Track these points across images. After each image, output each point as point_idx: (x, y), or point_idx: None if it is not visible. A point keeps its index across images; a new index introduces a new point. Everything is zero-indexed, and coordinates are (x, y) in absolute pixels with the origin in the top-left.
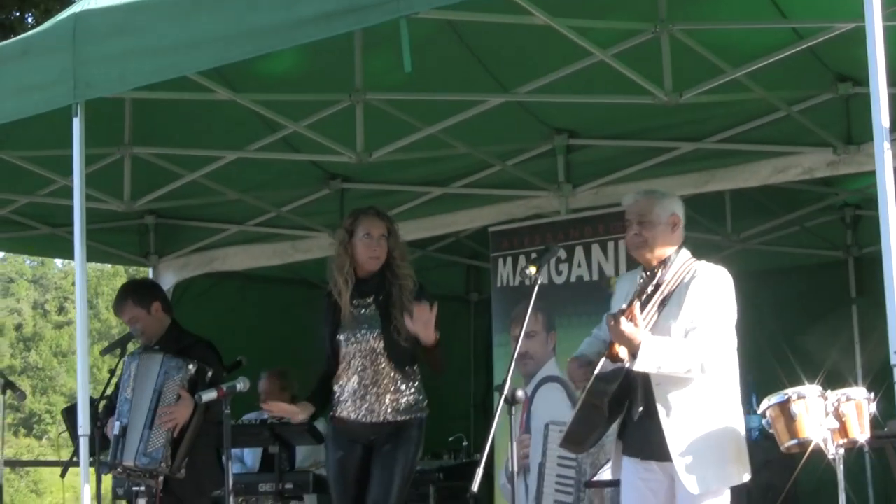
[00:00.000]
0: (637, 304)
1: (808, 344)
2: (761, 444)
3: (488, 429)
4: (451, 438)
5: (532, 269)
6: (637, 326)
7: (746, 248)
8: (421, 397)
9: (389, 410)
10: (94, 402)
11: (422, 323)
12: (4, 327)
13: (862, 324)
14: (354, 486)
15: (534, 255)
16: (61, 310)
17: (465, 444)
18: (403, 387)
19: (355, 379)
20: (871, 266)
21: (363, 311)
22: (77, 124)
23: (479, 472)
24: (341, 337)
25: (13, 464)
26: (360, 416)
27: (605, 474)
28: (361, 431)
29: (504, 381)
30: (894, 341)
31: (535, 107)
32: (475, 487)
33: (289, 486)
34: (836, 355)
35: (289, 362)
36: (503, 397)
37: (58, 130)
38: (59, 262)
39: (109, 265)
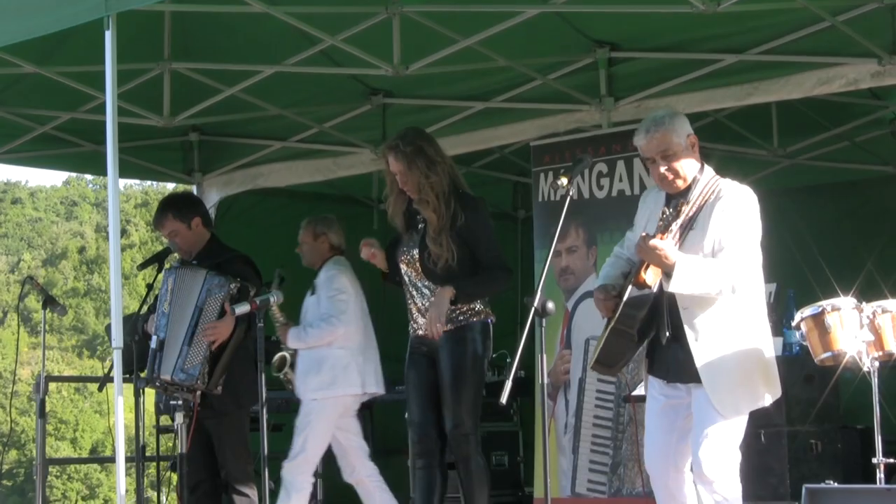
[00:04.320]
0: (666, 234)
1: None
2: (801, 359)
3: (520, 342)
4: (494, 355)
5: (564, 180)
6: (670, 246)
7: (794, 164)
8: (476, 303)
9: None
10: (131, 317)
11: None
12: (68, 250)
13: None
14: (427, 402)
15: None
16: (123, 232)
17: (508, 360)
18: None
19: (414, 294)
20: None
21: (416, 229)
22: (109, 38)
23: (508, 384)
24: (400, 256)
25: (56, 379)
26: (421, 331)
27: (643, 389)
28: (426, 345)
29: (534, 293)
30: None
31: (575, 18)
32: (503, 400)
33: None
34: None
35: None
36: (533, 309)
37: (98, 45)
38: (121, 185)
39: (170, 186)
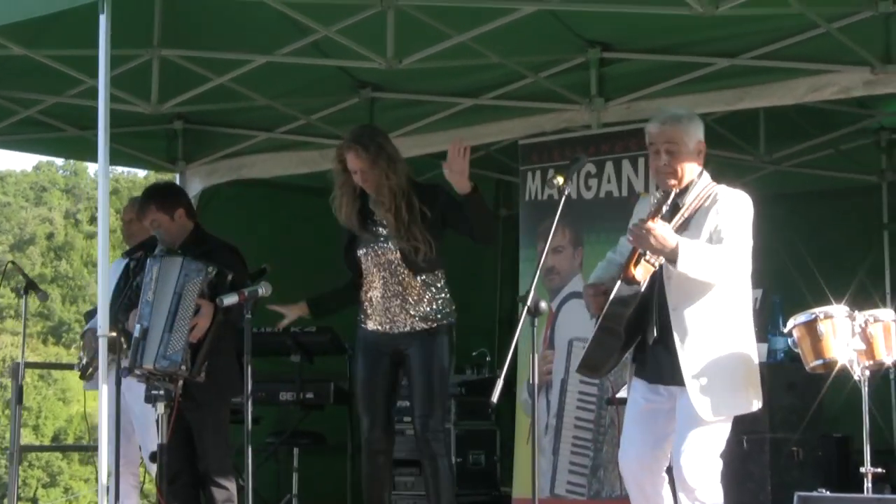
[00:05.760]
0: (659, 217)
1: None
2: (785, 366)
3: (511, 341)
4: (474, 353)
5: (559, 179)
6: (667, 228)
7: (779, 170)
8: (447, 303)
9: (415, 320)
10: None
11: (456, 172)
12: (36, 236)
13: (893, 249)
14: (382, 397)
15: (552, 169)
16: (93, 219)
17: (488, 359)
18: (427, 295)
19: (379, 292)
20: None
21: (379, 226)
22: (103, 21)
23: (500, 382)
24: (360, 252)
25: (34, 366)
26: (386, 328)
27: (627, 392)
28: (389, 342)
29: (527, 292)
30: None
31: (569, 17)
32: (495, 398)
33: (309, 395)
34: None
35: (313, 271)
36: (526, 308)
37: (88, 29)
38: (91, 171)
39: (141, 174)
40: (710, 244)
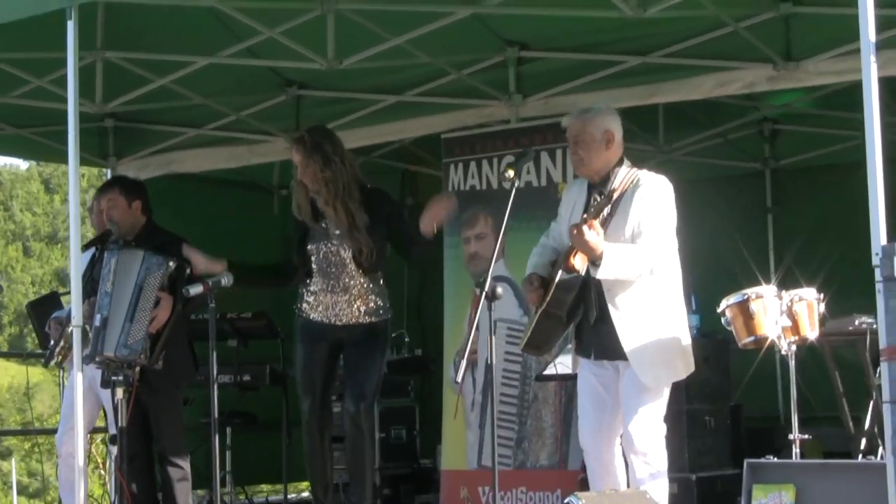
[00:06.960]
0: (597, 220)
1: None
2: (699, 342)
3: (473, 324)
4: (394, 335)
5: (510, 172)
6: (599, 236)
7: (672, 159)
8: (385, 301)
9: (361, 313)
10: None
11: (431, 218)
12: None
13: (777, 232)
14: (320, 380)
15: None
16: None
17: (406, 339)
18: (371, 294)
19: (327, 285)
20: (787, 178)
21: (331, 223)
22: (71, 27)
23: (464, 363)
24: (311, 247)
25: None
26: (331, 319)
27: (552, 369)
28: (331, 332)
29: (484, 279)
30: (877, 243)
31: (491, 20)
32: (459, 378)
33: (246, 377)
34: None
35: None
36: (483, 294)
37: (35, 31)
38: None
39: (24, 166)
40: (630, 241)
